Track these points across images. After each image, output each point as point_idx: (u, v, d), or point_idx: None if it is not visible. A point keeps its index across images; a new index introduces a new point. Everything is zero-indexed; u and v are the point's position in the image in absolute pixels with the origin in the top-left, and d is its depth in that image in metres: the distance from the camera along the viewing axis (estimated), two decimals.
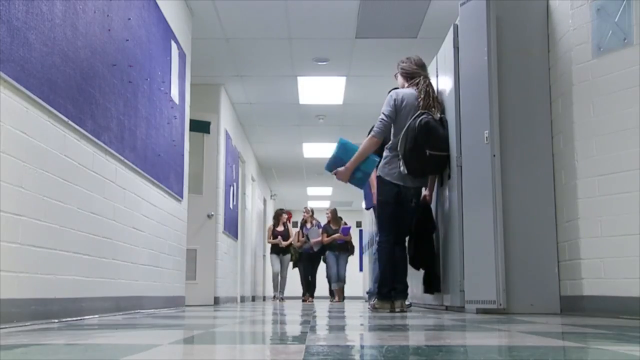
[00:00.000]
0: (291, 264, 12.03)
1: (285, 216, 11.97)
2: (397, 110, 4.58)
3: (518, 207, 4.21)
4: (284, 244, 11.69)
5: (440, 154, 4.60)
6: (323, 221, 12.02)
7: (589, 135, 3.89)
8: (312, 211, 12.24)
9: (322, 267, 11.78)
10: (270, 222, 12.88)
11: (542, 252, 4.19)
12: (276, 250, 11.79)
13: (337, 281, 11.26)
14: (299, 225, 12.36)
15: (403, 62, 4.79)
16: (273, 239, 11.77)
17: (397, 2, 5.96)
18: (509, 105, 4.31)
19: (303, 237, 11.81)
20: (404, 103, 4.58)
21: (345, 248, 11.44)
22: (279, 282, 11.78)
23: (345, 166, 4.66)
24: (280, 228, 11.81)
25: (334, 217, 11.55)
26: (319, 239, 11.44)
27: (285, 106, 9.37)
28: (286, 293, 12.17)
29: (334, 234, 11.35)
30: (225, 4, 5.99)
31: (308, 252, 11.63)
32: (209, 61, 7.42)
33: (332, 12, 6.16)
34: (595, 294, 3.79)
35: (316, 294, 11.91)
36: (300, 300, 11.78)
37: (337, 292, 11.26)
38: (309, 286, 11.72)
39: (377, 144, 4.63)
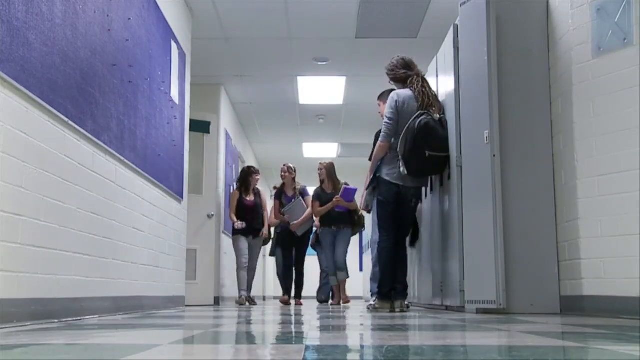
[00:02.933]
0: (266, 249, 8.03)
1: (257, 178, 7.74)
2: (399, 112, 4.58)
3: (518, 207, 4.21)
4: (263, 232, 7.65)
5: (439, 155, 4.59)
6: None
7: (589, 135, 3.89)
8: (295, 171, 7.82)
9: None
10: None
11: (542, 252, 4.19)
12: (242, 229, 7.51)
13: (336, 272, 7.46)
14: (275, 194, 8.07)
15: (390, 71, 4.76)
16: (237, 214, 7.52)
17: (397, 2, 5.96)
18: (509, 105, 4.31)
19: (281, 213, 7.65)
20: (405, 105, 4.58)
21: (347, 220, 7.37)
22: (247, 275, 7.63)
23: (367, 176, 4.99)
24: (250, 197, 7.64)
25: (330, 175, 7.47)
26: (305, 216, 7.45)
27: (285, 106, 9.37)
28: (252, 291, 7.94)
29: (329, 201, 7.26)
30: (225, 4, 6.00)
31: (288, 231, 7.60)
32: (209, 61, 7.42)
33: (332, 12, 6.16)
34: (595, 294, 3.79)
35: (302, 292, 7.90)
36: (279, 302, 8.23)
37: (335, 290, 7.58)
38: (288, 281, 7.84)
39: (387, 147, 4.66)
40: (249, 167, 7.88)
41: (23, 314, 2.78)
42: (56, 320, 3.08)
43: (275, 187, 7.85)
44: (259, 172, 7.87)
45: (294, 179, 7.77)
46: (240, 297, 7.50)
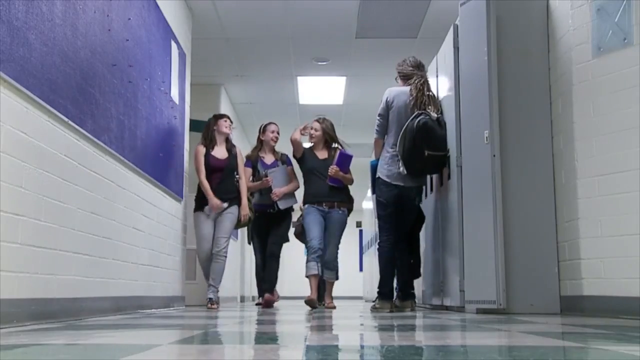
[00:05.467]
0: (242, 232, 6.08)
1: (224, 123, 5.67)
2: (388, 108, 4.66)
3: (518, 207, 4.20)
4: (242, 216, 5.60)
5: (438, 154, 4.61)
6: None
7: (589, 135, 3.88)
8: (278, 132, 6.17)
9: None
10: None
11: (542, 252, 4.19)
12: (206, 203, 5.47)
13: (325, 265, 5.53)
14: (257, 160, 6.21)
15: (399, 65, 4.88)
16: (205, 179, 5.47)
17: (397, 2, 5.96)
18: (509, 105, 4.31)
19: (260, 178, 5.93)
20: (394, 101, 4.66)
21: (343, 199, 5.61)
22: (215, 265, 5.50)
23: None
24: (220, 154, 5.62)
25: (326, 136, 5.75)
26: (291, 186, 5.89)
27: (285, 106, 9.37)
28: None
29: (319, 167, 5.63)
30: (225, 4, 6.00)
31: (264, 210, 5.91)
32: (209, 61, 7.42)
33: (332, 12, 6.16)
34: (595, 294, 3.79)
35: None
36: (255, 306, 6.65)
37: (313, 284, 5.48)
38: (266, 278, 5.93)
39: (380, 143, 4.76)
40: (221, 115, 5.88)
41: (23, 314, 2.78)
42: (56, 320, 3.08)
43: (248, 157, 6.16)
44: (228, 117, 5.73)
45: (275, 138, 6.12)
46: (208, 299, 5.46)
